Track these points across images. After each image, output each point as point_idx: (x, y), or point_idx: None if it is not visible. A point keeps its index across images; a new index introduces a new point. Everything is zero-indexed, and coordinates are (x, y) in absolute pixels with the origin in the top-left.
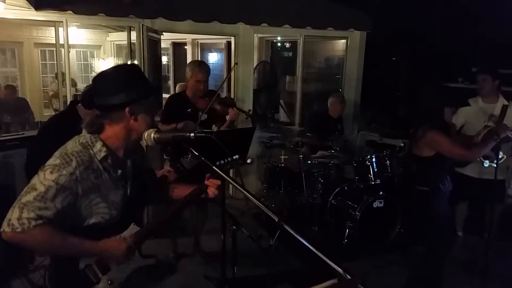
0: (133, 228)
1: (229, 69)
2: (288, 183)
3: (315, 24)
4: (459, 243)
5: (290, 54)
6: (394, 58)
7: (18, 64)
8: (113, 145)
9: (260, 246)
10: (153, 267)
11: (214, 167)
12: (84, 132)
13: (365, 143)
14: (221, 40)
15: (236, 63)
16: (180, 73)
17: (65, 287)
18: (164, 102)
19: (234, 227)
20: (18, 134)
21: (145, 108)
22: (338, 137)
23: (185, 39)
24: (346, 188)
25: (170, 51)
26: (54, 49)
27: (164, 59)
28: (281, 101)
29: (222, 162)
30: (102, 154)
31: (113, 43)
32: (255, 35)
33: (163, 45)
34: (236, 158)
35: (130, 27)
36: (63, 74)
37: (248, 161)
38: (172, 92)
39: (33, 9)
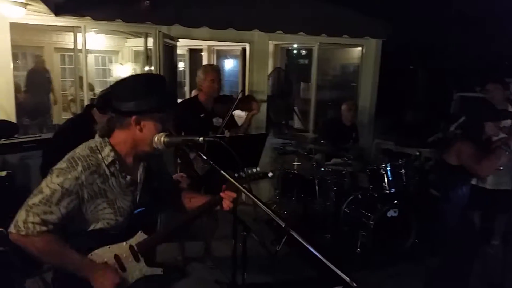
0: (140, 236)
1: (244, 76)
2: (301, 190)
3: (330, 32)
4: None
5: (306, 61)
6: (411, 67)
7: None
8: (122, 151)
9: (271, 252)
10: (164, 271)
11: (222, 171)
12: (96, 135)
13: (381, 152)
14: (237, 47)
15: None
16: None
17: None
18: None
19: (244, 232)
20: (35, 136)
21: (153, 121)
22: (352, 145)
23: (201, 45)
24: (360, 196)
25: (187, 58)
26: (73, 54)
27: (181, 66)
28: (296, 108)
29: (243, 174)
30: (110, 158)
31: (131, 49)
32: (271, 42)
33: (179, 51)
34: (257, 171)
35: (147, 33)
36: (81, 79)
37: (269, 174)
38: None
39: (53, 15)
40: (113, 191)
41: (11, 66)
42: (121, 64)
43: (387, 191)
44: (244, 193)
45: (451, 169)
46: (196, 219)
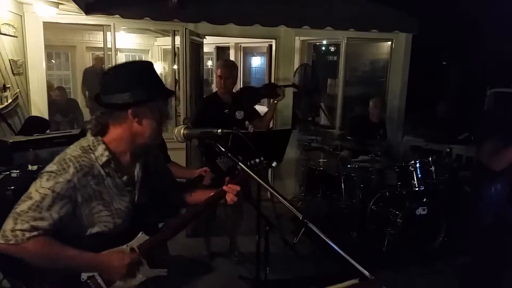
0: (141, 238)
1: (270, 73)
2: (327, 187)
3: (358, 26)
4: None
5: (335, 58)
6: (444, 63)
7: (71, 67)
8: (117, 149)
9: (294, 248)
10: (189, 265)
11: (241, 164)
12: (88, 134)
13: (410, 149)
14: (264, 44)
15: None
16: None
17: None
18: None
19: (267, 228)
20: (65, 132)
21: (151, 111)
22: (380, 141)
23: (229, 43)
24: (387, 194)
25: (214, 55)
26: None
27: (209, 64)
28: (322, 105)
29: (253, 162)
30: (104, 158)
31: (160, 47)
32: (297, 38)
33: (207, 49)
34: (261, 160)
35: (174, 31)
36: None
37: (273, 164)
38: None
39: (84, 14)
40: (109, 193)
41: (44, 65)
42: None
43: (416, 189)
44: (260, 183)
45: (483, 167)
46: (200, 215)
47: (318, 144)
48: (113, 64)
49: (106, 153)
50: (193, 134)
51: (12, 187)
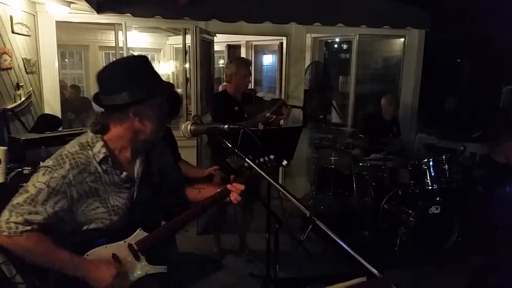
0: (139, 234)
1: (281, 71)
2: (338, 185)
3: (370, 23)
4: None
5: (347, 56)
6: (458, 60)
7: (84, 66)
8: (117, 145)
9: (302, 244)
10: (200, 262)
11: (247, 159)
12: (88, 130)
13: (423, 147)
14: (275, 41)
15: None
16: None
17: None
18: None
19: (277, 225)
20: (76, 130)
21: (151, 108)
22: (393, 139)
23: (240, 41)
24: (400, 192)
25: (225, 54)
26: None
27: (221, 62)
28: (334, 102)
29: (262, 160)
30: (101, 155)
31: (172, 46)
32: (308, 35)
33: (218, 48)
34: (271, 158)
35: (185, 29)
36: None
37: (284, 163)
38: None
39: (95, 13)
40: (106, 189)
41: (56, 64)
42: (163, 61)
43: (429, 187)
44: (267, 179)
45: (498, 166)
46: (200, 213)
47: (330, 142)
48: None
49: (104, 150)
50: (200, 130)
51: (24, 184)
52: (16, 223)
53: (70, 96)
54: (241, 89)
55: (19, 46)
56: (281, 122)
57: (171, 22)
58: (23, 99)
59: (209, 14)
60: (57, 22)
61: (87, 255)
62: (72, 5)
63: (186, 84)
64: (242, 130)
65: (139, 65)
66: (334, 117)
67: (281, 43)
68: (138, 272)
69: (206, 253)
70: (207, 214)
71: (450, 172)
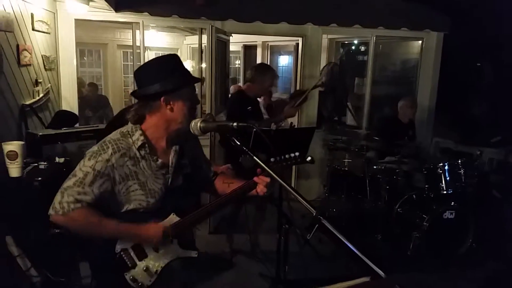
0: (172, 218)
1: (296, 72)
2: (351, 187)
3: (387, 24)
4: None
5: (365, 58)
6: (478, 64)
7: (103, 65)
8: (153, 135)
9: (309, 242)
10: (211, 261)
11: (254, 157)
12: (129, 123)
13: (439, 151)
14: (291, 42)
15: None
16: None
17: (100, 269)
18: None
19: (286, 226)
20: (92, 126)
21: (181, 98)
22: (408, 142)
23: (256, 42)
24: (414, 196)
25: (241, 54)
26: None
27: (237, 63)
28: (349, 104)
29: (287, 156)
30: (139, 142)
31: (189, 46)
32: (325, 36)
33: (235, 48)
34: (295, 156)
35: (201, 29)
36: None
37: (308, 159)
38: None
39: (113, 11)
40: (144, 174)
41: (75, 61)
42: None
43: (444, 192)
44: (273, 176)
45: None
46: (229, 203)
47: (344, 144)
48: (143, 61)
49: (142, 137)
50: (210, 127)
51: (40, 178)
52: (68, 202)
53: (88, 93)
54: (261, 95)
55: (38, 43)
56: (294, 123)
57: (188, 22)
58: (41, 95)
59: (226, 14)
60: (76, 20)
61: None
62: (91, 3)
63: (201, 84)
64: (254, 130)
65: (170, 61)
66: (349, 119)
67: (297, 44)
68: (170, 254)
69: (218, 252)
70: (220, 213)
71: (466, 177)
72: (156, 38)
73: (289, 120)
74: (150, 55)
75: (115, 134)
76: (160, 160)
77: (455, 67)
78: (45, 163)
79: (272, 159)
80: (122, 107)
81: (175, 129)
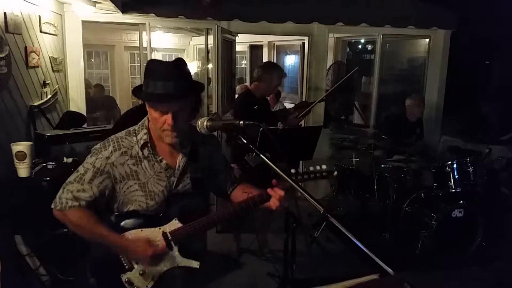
0: (174, 224)
1: (302, 71)
2: (359, 186)
3: (394, 22)
4: None
5: (372, 56)
6: (487, 62)
7: (110, 66)
8: (155, 135)
9: (316, 240)
10: (218, 261)
11: (261, 155)
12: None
13: (448, 149)
14: (297, 42)
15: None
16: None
17: (97, 270)
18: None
19: (294, 224)
20: (99, 127)
21: (150, 107)
22: (416, 141)
23: (262, 41)
24: (422, 195)
25: (247, 54)
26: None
27: (243, 63)
28: (356, 103)
29: (312, 169)
30: (142, 141)
31: (196, 47)
32: (331, 34)
33: (241, 48)
34: (322, 169)
35: (208, 29)
36: None
37: (335, 174)
38: None
39: (120, 12)
40: (146, 174)
41: (82, 64)
42: (186, 61)
43: (453, 190)
44: (280, 175)
45: None
46: (237, 214)
47: (351, 142)
48: None
49: (145, 137)
50: (216, 125)
51: (48, 178)
52: (66, 198)
53: (94, 95)
54: (269, 93)
55: (46, 45)
56: (302, 122)
57: (194, 22)
58: (49, 96)
59: (231, 14)
60: (83, 22)
61: (123, 235)
62: (97, 5)
63: (208, 84)
64: (261, 129)
65: (154, 68)
66: (356, 118)
67: (304, 43)
68: (168, 264)
69: (225, 252)
70: None
71: (475, 175)
72: (163, 39)
73: None
74: (157, 56)
75: (121, 132)
76: (165, 161)
77: (463, 64)
78: (53, 163)
79: (293, 170)
80: (129, 108)
81: (162, 131)
